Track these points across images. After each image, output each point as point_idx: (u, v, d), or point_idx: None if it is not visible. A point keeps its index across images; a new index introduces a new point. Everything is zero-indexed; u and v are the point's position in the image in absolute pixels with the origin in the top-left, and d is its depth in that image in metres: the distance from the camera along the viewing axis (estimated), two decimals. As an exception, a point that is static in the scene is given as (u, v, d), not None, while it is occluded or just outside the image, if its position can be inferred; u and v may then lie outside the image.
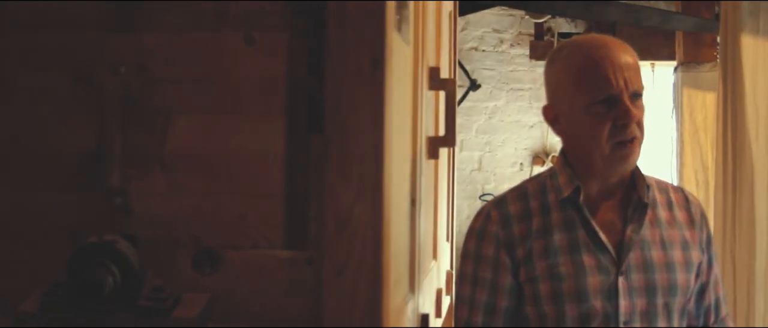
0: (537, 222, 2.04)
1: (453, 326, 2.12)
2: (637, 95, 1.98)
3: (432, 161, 2.65)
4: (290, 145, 1.66)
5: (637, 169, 2.07)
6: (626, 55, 1.99)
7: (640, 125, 1.99)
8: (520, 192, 2.12)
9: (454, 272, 3.72)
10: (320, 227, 1.59)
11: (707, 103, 5.13)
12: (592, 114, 1.98)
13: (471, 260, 2.09)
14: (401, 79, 1.86)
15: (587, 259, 2.00)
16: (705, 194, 5.01)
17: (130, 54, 1.69)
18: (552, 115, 2.10)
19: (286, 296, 1.64)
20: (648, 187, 2.06)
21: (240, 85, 1.67)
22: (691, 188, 4.97)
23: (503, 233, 2.05)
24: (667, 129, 5.83)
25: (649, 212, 2.06)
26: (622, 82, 1.96)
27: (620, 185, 2.07)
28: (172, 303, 1.61)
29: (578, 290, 1.98)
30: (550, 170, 2.14)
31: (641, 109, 2.00)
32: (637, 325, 1.99)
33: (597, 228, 2.01)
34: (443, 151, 3.13)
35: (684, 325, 2.08)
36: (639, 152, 2.01)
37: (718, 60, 4.48)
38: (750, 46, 4.18)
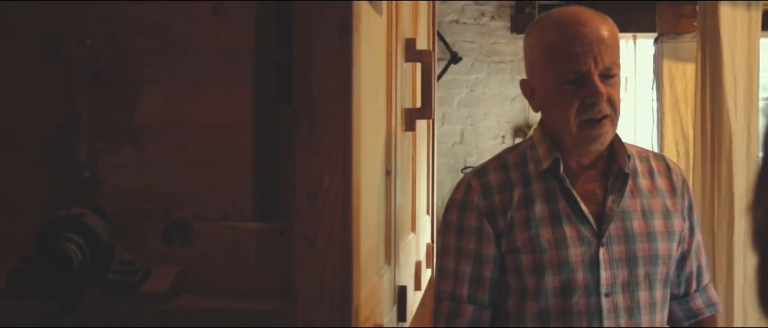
0: (518, 193, 2.02)
1: (434, 300, 2.09)
2: (609, 74, 1.96)
3: (409, 133, 2.64)
4: (259, 115, 1.64)
5: (617, 138, 2.06)
6: (602, 30, 1.96)
7: (612, 103, 1.97)
8: (500, 162, 2.10)
9: (434, 246, 3.72)
10: (290, 198, 1.58)
11: (687, 74, 5.13)
12: (562, 92, 1.97)
13: (453, 232, 2.06)
14: (373, 48, 1.85)
15: (568, 230, 1.99)
16: (686, 165, 5.02)
17: (97, 24, 1.67)
18: (529, 90, 2.08)
19: (257, 268, 1.63)
20: (629, 157, 2.05)
21: (208, 55, 1.66)
22: (672, 158, 4.98)
23: (484, 203, 2.03)
24: (648, 101, 5.83)
25: (630, 181, 2.05)
26: (590, 61, 1.94)
27: (600, 155, 2.06)
28: (142, 277, 1.60)
29: (559, 262, 1.97)
30: (529, 140, 2.12)
31: (614, 86, 1.97)
32: (619, 295, 1.99)
33: (578, 199, 2.00)
34: (422, 124, 3.13)
35: (667, 294, 2.08)
36: (612, 130, 2.00)
37: (697, 31, 4.48)
38: (728, 15, 4.18)
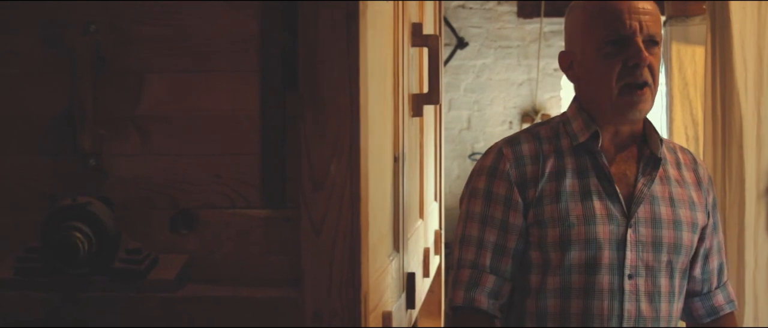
0: (550, 165, 1.99)
1: (455, 267, 2.03)
2: (652, 41, 1.96)
3: (417, 119, 2.63)
4: (265, 102, 1.63)
5: (649, 124, 2.04)
6: (646, 4, 1.98)
7: (653, 73, 1.95)
8: (532, 133, 2.07)
9: (442, 232, 3.71)
10: (297, 186, 1.57)
11: (696, 57, 5.09)
12: (603, 55, 1.95)
13: (480, 198, 2.01)
14: (379, 34, 1.83)
15: (598, 207, 1.96)
16: (695, 149, 4.99)
17: (100, 12, 1.66)
18: (567, 62, 2.06)
19: (264, 256, 1.62)
20: (661, 141, 2.03)
21: (213, 43, 1.64)
22: (681, 143, 4.95)
23: (516, 172, 1.99)
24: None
25: (660, 168, 2.03)
26: (635, 24, 1.94)
27: (633, 138, 2.03)
28: (149, 265, 1.59)
29: (587, 238, 1.94)
30: (562, 115, 2.09)
31: (656, 56, 1.97)
32: (641, 278, 1.97)
33: (612, 176, 1.98)
34: (429, 110, 3.11)
35: (684, 285, 2.06)
36: (651, 101, 1.97)
37: (706, 13, 4.44)
38: (738, -2, 4.15)
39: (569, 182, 1.98)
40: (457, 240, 2.04)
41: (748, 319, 4.02)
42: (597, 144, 1.99)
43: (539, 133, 2.06)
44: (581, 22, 2.01)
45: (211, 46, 1.64)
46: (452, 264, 2.05)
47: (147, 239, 1.63)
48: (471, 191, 2.04)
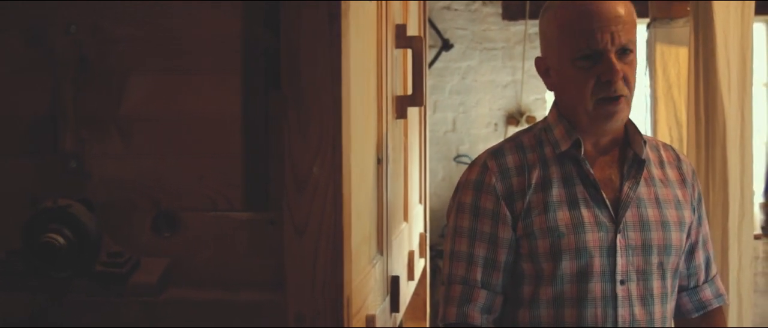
0: (535, 175, 1.99)
1: (445, 284, 2.03)
2: (625, 50, 1.94)
3: (401, 121, 2.62)
4: (248, 104, 1.62)
5: (632, 125, 2.04)
6: (619, 8, 1.94)
7: (628, 82, 1.94)
8: (515, 143, 2.06)
9: (427, 235, 3.71)
10: (280, 187, 1.56)
11: (680, 58, 5.10)
12: (577, 68, 1.94)
13: (468, 213, 2.01)
14: (362, 35, 1.82)
15: (586, 215, 1.96)
16: (679, 150, 5.00)
17: (82, 13, 1.64)
18: (543, 67, 2.06)
19: (247, 258, 1.61)
20: (644, 142, 2.03)
21: (196, 43, 1.63)
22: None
23: (502, 185, 1.98)
24: (641, 86, 5.82)
25: (644, 169, 2.03)
26: (607, 38, 1.91)
27: (615, 141, 2.03)
28: (130, 268, 1.58)
29: (577, 247, 1.94)
30: (543, 122, 2.09)
31: (631, 64, 1.95)
32: (633, 283, 1.97)
33: (598, 183, 1.98)
34: (413, 112, 3.10)
35: (676, 285, 2.06)
36: (628, 110, 1.97)
37: (690, 15, 4.46)
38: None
39: (556, 191, 1.98)
40: (446, 256, 2.04)
41: (732, 319, 4.04)
42: (580, 152, 1.99)
43: (522, 142, 2.05)
44: (555, 31, 2.00)
45: (194, 47, 1.63)
46: (443, 280, 2.05)
47: (129, 241, 1.62)
48: (458, 205, 2.03)
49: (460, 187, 2.06)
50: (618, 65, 1.92)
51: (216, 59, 1.62)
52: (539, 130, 2.07)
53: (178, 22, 1.63)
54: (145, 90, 1.64)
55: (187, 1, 1.63)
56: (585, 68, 1.94)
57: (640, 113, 5.71)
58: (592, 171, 1.98)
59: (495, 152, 2.05)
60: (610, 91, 1.93)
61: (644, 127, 5.62)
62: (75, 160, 1.64)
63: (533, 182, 1.99)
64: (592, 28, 1.92)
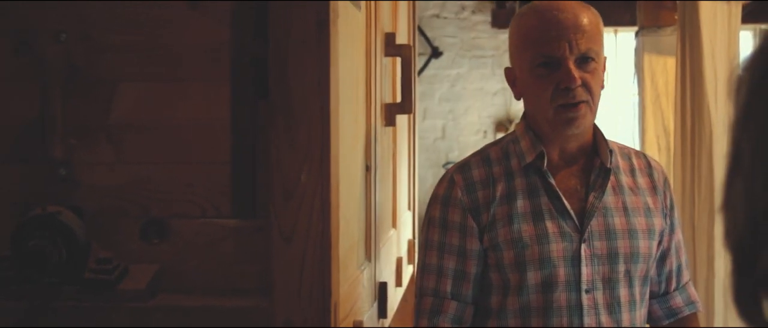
0: (500, 188, 2.01)
1: (417, 296, 2.06)
2: (586, 59, 1.95)
3: (390, 128, 2.64)
4: (237, 112, 1.63)
5: (599, 133, 2.05)
6: (580, 17, 1.96)
7: (589, 88, 1.96)
8: (482, 157, 2.09)
9: (416, 242, 3.72)
10: (268, 195, 1.57)
11: (668, 67, 5.13)
12: (536, 75, 1.97)
13: (437, 227, 2.05)
14: (351, 43, 1.84)
15: (550, 226, 1.98)
16: (667, 159, 5.02)
17: (72, 21, 1.65)
18: (511, 78, 2.08)
19: (235, 265, 1.62)
20: (611, 152, 2.04)
21: (185, 51, 1.64)
22: (653, 153, 4.98)
23: (468, 199, 2.02)
24: (629, 95, 5.84)
25: (612, 178, 2.04)
26: (565, 45, 1.93)
27: (582, 151, 2.05)
28: (119, 275, 1.58)
29: (541, 257, 1.96)
30: (512, 134, 2.11)
31: (592, 72, 1.96)
32: (599, 292, 1.98)
33: (561, 194, 2.00)
34: (402, 119, 3.12)
35: (646, 292, 2.07)
36: (590, 116, 1.99)
37: (678, 24, 4.48)
38: (708, 8, 4.19)
39: (520, 203, 2.00)
40: (418, 269, 2.07)
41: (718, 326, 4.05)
42: (543, 164, 2.01)
43: (489, 155, 2.08)
44: (517, 40, 2.02)
45: (183, 55, 1.64)
46: (414, 293, 2.08)
47: (118, 248, 1.63)
48: (429, 220, 2.07)
49: (431, 202, 2.10)
50: (576, 72, 1.93)
51: (205, 67, 1.63)
52: (507, 143, 2.09)
53: (167, 30, 1.64)
54: (135, 98, 1.65)
55: (177, 10, 1.64)
56: (543, 76, 1.96)
57: (628, 122, 5.74)
58: (553, 183, 2.00)
59: (462, 167, 2.08)
60: (569, 98, 1.95)
61: (632, 136, 5.64)
62: (64, 168, 1.65)
63: (498, 194, 2.01)
64: (551, 36, 1.94)
